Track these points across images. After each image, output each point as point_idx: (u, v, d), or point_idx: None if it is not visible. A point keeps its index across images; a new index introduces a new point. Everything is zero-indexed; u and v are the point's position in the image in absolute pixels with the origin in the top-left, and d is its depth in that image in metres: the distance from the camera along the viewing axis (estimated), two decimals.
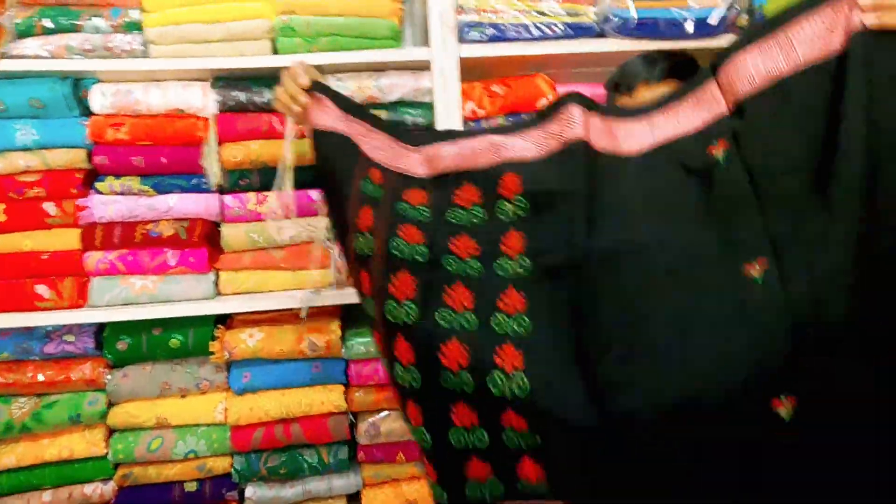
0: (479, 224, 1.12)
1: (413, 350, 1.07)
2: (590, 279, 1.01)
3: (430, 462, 1.08)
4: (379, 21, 1.75)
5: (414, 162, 1.21)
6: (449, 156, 1.18)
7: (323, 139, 1.27)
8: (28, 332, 1.84)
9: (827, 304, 0.85)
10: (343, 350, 1.84)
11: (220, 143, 1.82)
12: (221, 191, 1.87)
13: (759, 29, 0.99)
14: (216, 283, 1.88)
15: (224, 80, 1.83)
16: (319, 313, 1.86)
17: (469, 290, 1.08)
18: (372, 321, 1.18)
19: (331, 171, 1.26)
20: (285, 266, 1.81)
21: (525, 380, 1.00)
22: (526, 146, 1.13)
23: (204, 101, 1.80)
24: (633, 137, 1.08)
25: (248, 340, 1.87)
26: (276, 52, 1.74)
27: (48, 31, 1.73)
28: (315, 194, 1.77)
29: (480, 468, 1.05)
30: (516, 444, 1.02)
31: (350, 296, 1.72)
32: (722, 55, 1.03)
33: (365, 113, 1.32)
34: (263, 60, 1.74)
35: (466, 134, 1.21)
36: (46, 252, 1.80)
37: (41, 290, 1.79)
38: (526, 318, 1.04)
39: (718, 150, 1.00)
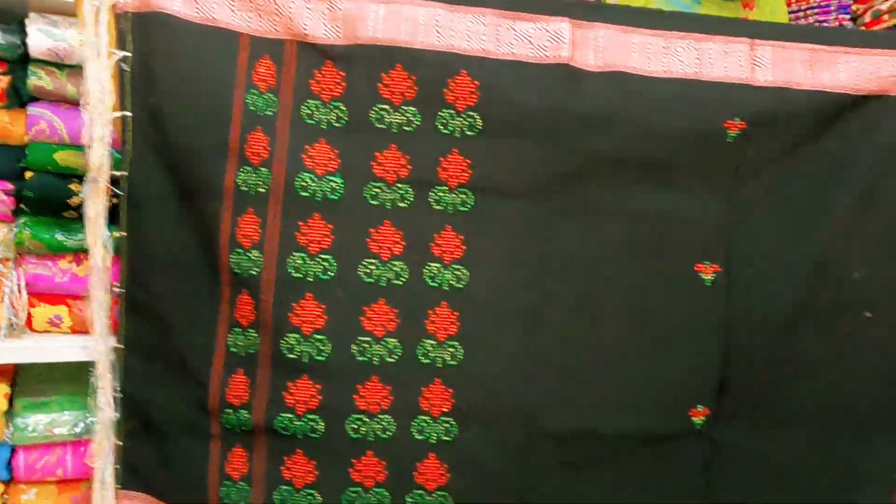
0: (413, 133, 0.89)
1: (326, 313, 0.89)
2: (542, 233, 0.89)
3: (311, 459, 0.90)
4: None
5: (320, 19, 0.86)
6: (374, 19, 0.86)
7: (170, 45, 0.87)
8: None
9: (754, 336, 0.91)
10: (8, 430, 1.24)
11: None
12: None
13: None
14: None
15: None
16: None
17: (398, 230, 0.91)
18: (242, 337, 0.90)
19: (183, 102, 0.88)
20: None
21: (460, 347, 0.91)
22: (486, 35, 0.86)
23: None
24: (647, 55, 0.89)
25: None
26: None
27: None
28: None
29: (372, 468, 0.91)
30: (426, 435, 0.91)
31: (30, 349, 1.17)
32: (786, 29, 0.98)
33: None
34: None
35: None
36: None
37: None
38: (463, 269, 0.91)
39: (733, 129, 0.89)
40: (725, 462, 0.92)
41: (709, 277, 0.91)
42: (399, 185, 0.89)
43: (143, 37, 0.87)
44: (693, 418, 0.91)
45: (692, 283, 0.91)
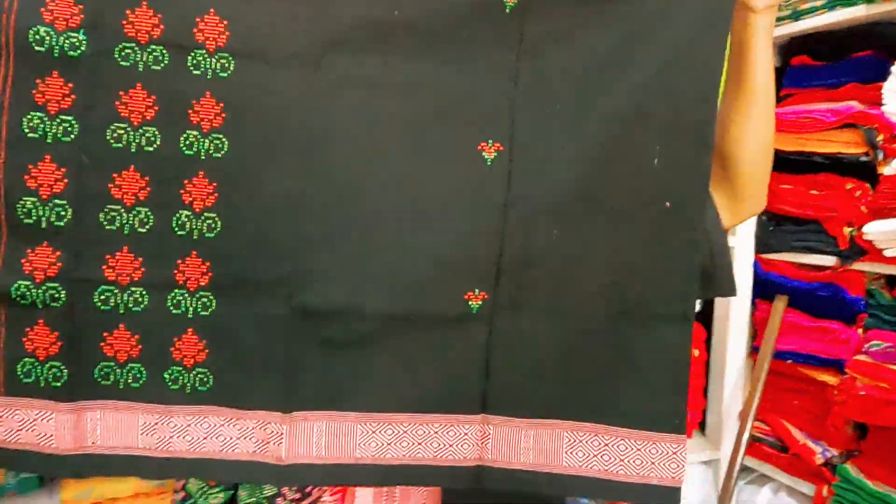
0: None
1: (66, 176, 0.81)
2: (308, 103, 0.83)
3: (53, 330, 0.83)
4: None
5: None
6: None
7: None
8: None
9: (535, 221, 0.85)
10: None
11: None
12: None
13: None
14: None
15: None
16: None
17: (150, 94, 0.81)
18: None
19: None
20: None
21: (217, 219, 0.83)
22: None
23: None
24: None
25: None
26: None
27: None
28: None
29: (125, 342, 0.84)
30: (183, 309, 0.84)
31: None
32: None
33: None
34: None
35: None
36: None
37: None
38: (223, 138, 0.82)
39: None
40: (504, 348, 0.87)
41: (490, 157, 0.84)
42: (153, 47, 0.80)
43: None
44: (469, 302, 0.86)
45: (472, 162, 0.84)
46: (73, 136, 0.80)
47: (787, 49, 1.98)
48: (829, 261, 1.80)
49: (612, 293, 0.87)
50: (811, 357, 1.84)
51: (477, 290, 0.86)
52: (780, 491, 1.95)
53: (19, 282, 0.81)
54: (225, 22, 0.80)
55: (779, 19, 1.90)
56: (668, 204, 0.84)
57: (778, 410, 1.95)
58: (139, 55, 0.80)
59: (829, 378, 1.80)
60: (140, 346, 0.84)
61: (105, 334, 0.83)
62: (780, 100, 1.93)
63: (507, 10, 0.82)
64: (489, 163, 0.84)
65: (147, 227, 0.82)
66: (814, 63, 1.91)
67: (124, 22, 0.79)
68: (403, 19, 0.82)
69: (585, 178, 0.85)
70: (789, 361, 1.88)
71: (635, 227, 0.86)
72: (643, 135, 0.84)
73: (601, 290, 0.87)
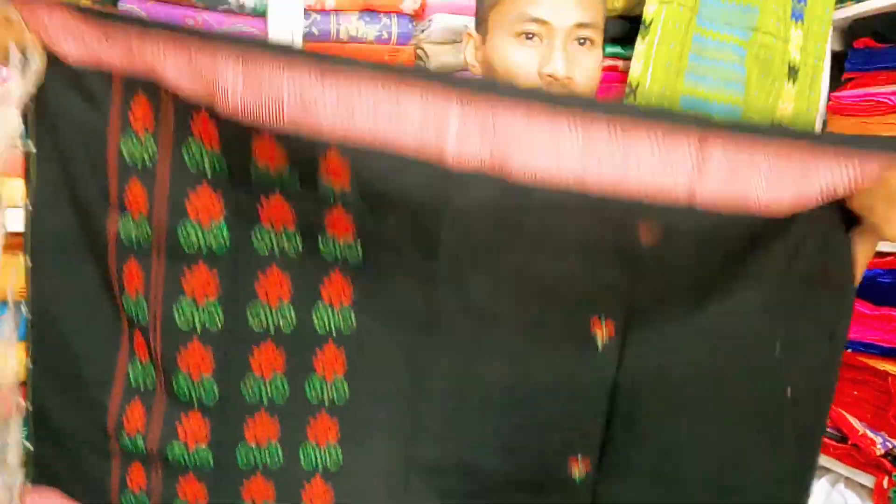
0: (295, 192, 0.82)
1: (214, 360, 0.88)
2: (433, 292, 0.85)
3: (201, 481, 0.92)
4: None
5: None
6: (234, 87, 0.76)
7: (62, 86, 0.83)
8: None
9: (644, 401, 0.86)
10: None
11: None
12: None
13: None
14: None
15: None
16: None
17: (285, 274, 0.86)
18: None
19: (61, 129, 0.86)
20: None
21: (346, 387, 0.89)
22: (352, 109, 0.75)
23: None
24: (547, 151, 0.73)
25: None
26: None
27: None
28: None
29: (262, 490, 0.92)
30: (313, 463, 0.91)
31: None
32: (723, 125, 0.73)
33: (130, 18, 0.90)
34: None
35: (277, 50, 0.78)
36: None
37: None
38: (350, 311, 0.87)
39: (650, 236, 0.80)
40: None
41: (602, 337, 0.84)
42: (285, 232, 0.85)
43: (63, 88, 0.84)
44: (572, 468, 0.87)
45: (584, 342, 0.84)
46: (217, 322, 0.87)
47: (850, 32, 1.93)
48: (892, 246, 1.75)
49: (721, 479, 0.86)
50: (872, 346, 1.79)
51: (580, 457, 0.87)
52: (838, 483, 1.90)
53: (174, 444, 0.89)
54: (350, 215, 0.82)
55: (841, 0, 1.86)
56: (788, 392, 0.83)
57: (836, 400, 1.90)
58: (273, 240, 0.85)
59: (891, 368, 1.74)
60: (274, 495, 0.91)
61: (245, 481, 0.91)
62: (841, 83, 1.89)
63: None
64: (600, 344, 0.84)
65: (283, 396, 0.90)
66: (877, 45, 1.86)
67: (259, 208, 0.83)
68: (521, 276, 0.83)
69: (702, 362, 0.84)
70: (849, 350, 1.83)
71: (750, 416, 0.85)
72: (767, 325, 0.83)
73: (709, 474, 0.87)
